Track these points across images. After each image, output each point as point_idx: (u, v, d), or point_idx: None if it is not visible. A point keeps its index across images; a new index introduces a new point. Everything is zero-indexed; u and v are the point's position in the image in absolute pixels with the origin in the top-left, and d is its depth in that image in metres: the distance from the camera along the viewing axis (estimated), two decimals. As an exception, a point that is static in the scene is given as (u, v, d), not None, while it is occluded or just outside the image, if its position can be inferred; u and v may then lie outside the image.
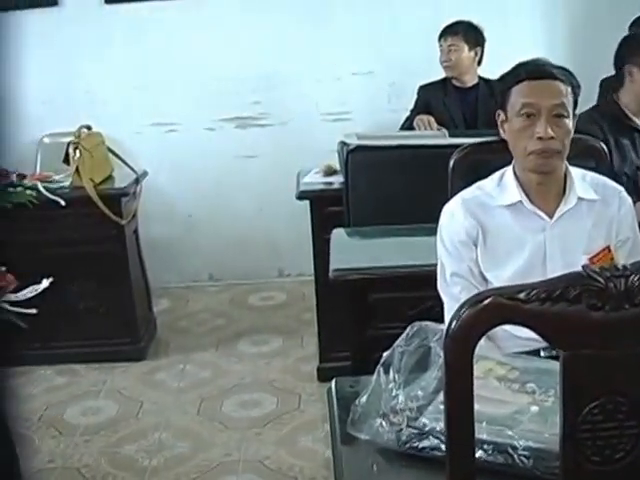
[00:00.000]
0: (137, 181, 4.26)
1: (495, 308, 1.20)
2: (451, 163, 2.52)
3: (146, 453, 3.37)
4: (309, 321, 4.30)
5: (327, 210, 3.72)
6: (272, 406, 3.70)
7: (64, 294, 3.84)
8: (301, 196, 3.79)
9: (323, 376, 3.81)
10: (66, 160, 4.03)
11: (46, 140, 4.98)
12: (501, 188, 2.23)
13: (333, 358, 3.76)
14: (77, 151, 3.96)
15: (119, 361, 4.14)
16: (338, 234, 3.03)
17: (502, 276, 2.17)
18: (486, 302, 1.20)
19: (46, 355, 4.09)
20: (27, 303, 2.68)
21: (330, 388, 1.76)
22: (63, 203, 3.92)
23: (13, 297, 2.67)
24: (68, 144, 4.02)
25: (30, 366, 4.07)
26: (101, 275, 4.05)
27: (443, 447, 1.35)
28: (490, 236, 2.20)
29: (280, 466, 3.23)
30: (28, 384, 3.98)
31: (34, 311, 2.66)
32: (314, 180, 3.93)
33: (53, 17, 5.00)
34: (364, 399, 1.56)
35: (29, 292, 2.71)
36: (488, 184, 2.27)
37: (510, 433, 1.47)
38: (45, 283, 2.73)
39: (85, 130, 4.16)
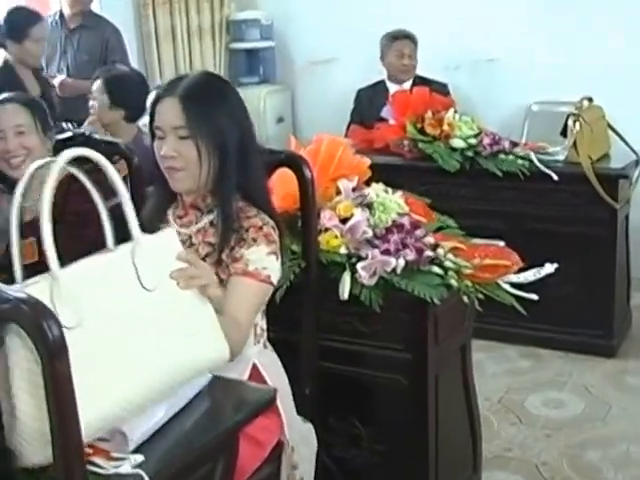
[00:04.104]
0: (637, 163, 3.87)
1: None
2: None
3: (611, 464, 3.05)
4: None
5: None
6: None
7: (541, 272, 3.62)
8: None
9: None
10: (563, 132, 3.76)
11: (534, 108, 4.78)
12: None
13: None
14: (577, 124, 3.67)
15: (588, 354, 3.83)
16: None
17: None
18: None
19: (511, 334, 3.90)
20: (527, 287, 2.48)
21: None
22: (555, 177, 3.68)
23: (514, 278, 2.48)
24: (568, 115, 3.74)
25: (495, 342, 3.93)
26: (584, 259, 3.74)
27: None
28: None
29: None
30: (491, 361, 3.84)
31: (535, 297, 2.45)
32: None
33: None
34: None
35: (531, 275, 2.50)
36: None
37: None
38: (549, 268, 2.51)
39: (586, 102, 3.85)
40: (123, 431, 1.59)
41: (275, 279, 2.06)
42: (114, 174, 1.62)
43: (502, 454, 3.14)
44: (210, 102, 2.07)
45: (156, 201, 2.22)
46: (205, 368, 1.72)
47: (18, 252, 1.59)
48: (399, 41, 4.76)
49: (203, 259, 2.06)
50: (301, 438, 2.25)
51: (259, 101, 5.73)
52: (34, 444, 1.43)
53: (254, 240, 2.04)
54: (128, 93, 3.71)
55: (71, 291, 1.48)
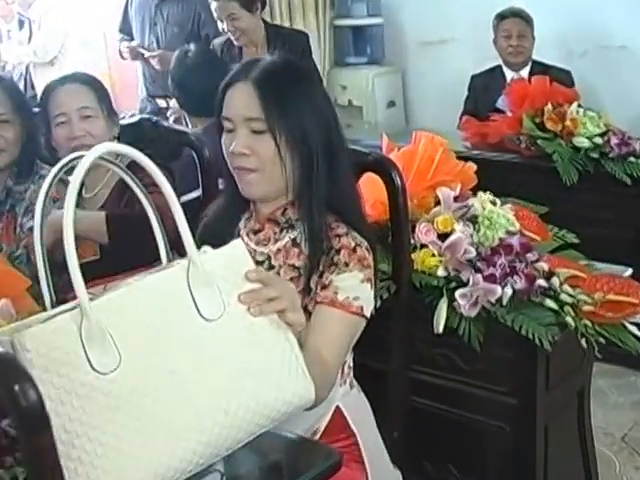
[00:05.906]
0: None
1: None
2: None
3: None
4: None
5: None
6: None
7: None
8: None
9: None
10: None
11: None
12: None
13: None
14: None
15: None
16: None
17: None
18: None
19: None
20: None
21: None
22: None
23: (641, 319, 2.06)
24: None
25: (620, 367, 3.37)
26: None
27: None
28: None
29: None
30: (614, 390, 3.32)
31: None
32: None
33: None
34: None
35: (665, 315, 2.07)
36: None
37: None
38: None
39: None
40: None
41: (368, 311, 1.70)
42: (163, 180, 1.27)
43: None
44: (292, 89, 1.70)
45: (224, 209, 1.87)
46: (285, 414, 1.32)
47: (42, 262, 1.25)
48: (507, 20, 4.31)
49: None
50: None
51: (367, 83, 5.42)
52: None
53: (346, 265, 1.68)
54: None
55: (106, 326, 1.17)
